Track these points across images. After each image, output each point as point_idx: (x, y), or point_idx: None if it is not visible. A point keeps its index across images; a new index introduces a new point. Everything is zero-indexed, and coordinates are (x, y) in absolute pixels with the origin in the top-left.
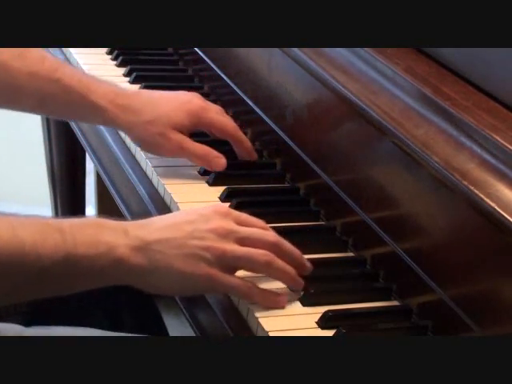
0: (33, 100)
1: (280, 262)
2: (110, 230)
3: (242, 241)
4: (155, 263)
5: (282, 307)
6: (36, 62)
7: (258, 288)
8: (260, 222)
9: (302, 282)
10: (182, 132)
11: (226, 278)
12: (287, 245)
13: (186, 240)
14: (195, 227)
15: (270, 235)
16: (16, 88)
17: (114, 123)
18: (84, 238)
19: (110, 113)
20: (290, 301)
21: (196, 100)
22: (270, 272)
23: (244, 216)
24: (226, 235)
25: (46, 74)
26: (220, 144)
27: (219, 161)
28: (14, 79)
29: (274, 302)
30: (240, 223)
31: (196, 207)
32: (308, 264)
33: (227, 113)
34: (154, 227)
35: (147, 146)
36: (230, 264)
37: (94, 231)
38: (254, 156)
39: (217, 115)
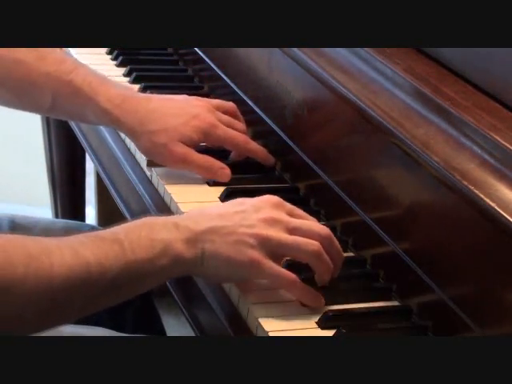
0: (47, 100)
1: (327, 256)
2: (162, 227)
3: (292, 231)
4: (206, 252)
5: (322, 305)
6: (54, 62)
7: (301, 282)
8: (313, 218)
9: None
10: (187, 145)
11: (269, 264)
12: (337, 242)
13: (235, 228)
14: (245, 216)
15: (322, 228)
16: (34, 88)
17: (117, 127)
18: (140, 242)
19: (113, 116)
20: (290, 301)
21: (205, 114)
22: (316, 263)
23: (297, 210)
24: (275, 224)
25: (60, 75)
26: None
27: (223, 172)
28: (33, 80)
29: (313, 300)
30: (292, 216)
31: (244, 198)
32: (338, 271)
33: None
34: (204, 217)
35: (150, 155)
36: (275, 250)
37: (146, 232)
38: (271, 160)
39: (224, 131)
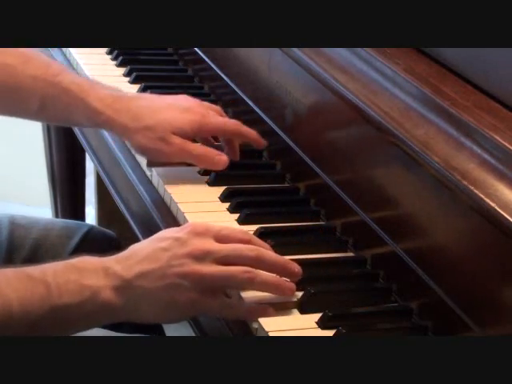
0: (35, 103)
1: (263, 276)
2: (92, 272)
3: (222, 260)
4: (138, 299)
5: (274, 315)
6: (40, 66)
7: (242, 306)
8: (241, 234)
9: (291, 288)
10: (181, 137)
11: (207, 302)
12: (268, 256)
13: (165, 270)
14: (172, 254)
15: (250, 249)
16: (20, 92)
17: (110, 127)
18: (67, 286)
19: (105, 116)
20: (290, 301)
21: (196, 107)
22: (254, 287)
23: (224, 231)
24: (203, 257)
25: (47, 78)
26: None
27: (221, 158)
28: (19, 83)
29: (262, 314)
30: (219, 239)
31: (171, 228)
32: (296, 269)
33: (226, 113)
34: (133, 260)
35: (147, 151)
36: (211, 286)
37: (76, 276)
38: (263, 143)
39: (217, 119)
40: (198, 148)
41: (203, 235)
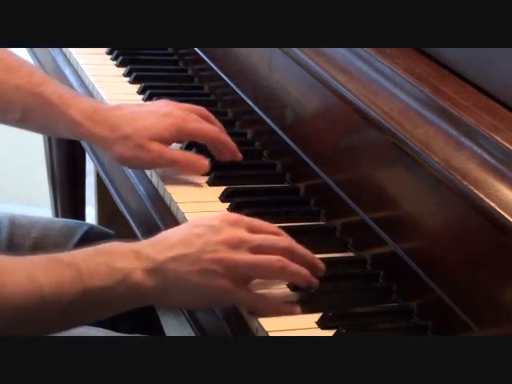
0: (17, 113)
1: (294, 266)
2: (122, 255)
3: (255, 249)
4: (170, 282)
5: (299, 313)
6: (24, 75)
7: (270, 301)
8: (272, 227)
9: (316, 282)
10: (162, 143)
11: (238, 290)
12: (300, 248)
13: (199, 255)
14: (206, 240)
15: (282, 240)
16: (3, 101)
17: (89, 139)
18: (98, 269)
19: (84, 128)
20: (290, 301)
21: (175, 111)
22: (285, 277)
23: (256, 222)
24: (237, 245)
25: (30, 88)
26: None
27: (202, 163)
28: (1, 92)
29: (288, 313)
30: (252, 229)
31: (204, 216)
32: (321, 265)
33: (225, 113)
34: (165, 245)
35: (126, 160)
36: (243, 274)
37: (106, 259)
38: (239, 156)
39: (196, 124)
40: (178, 154)
41: (236, 224)
